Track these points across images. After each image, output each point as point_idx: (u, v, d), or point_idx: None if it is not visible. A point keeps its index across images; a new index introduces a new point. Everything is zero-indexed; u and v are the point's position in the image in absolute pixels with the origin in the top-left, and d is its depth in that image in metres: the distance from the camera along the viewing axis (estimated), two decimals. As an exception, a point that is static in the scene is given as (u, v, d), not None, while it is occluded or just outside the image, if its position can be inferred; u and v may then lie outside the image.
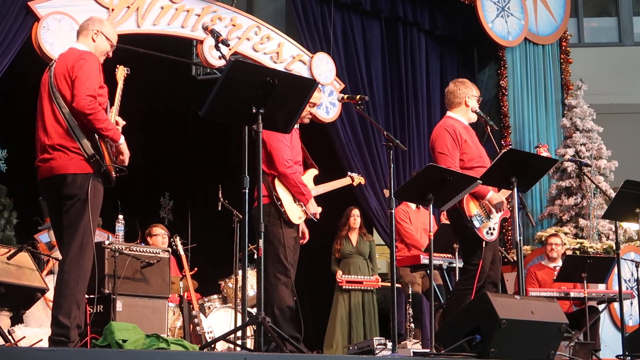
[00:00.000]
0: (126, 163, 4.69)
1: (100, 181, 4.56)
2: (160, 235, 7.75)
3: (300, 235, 5.64)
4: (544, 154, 5.94)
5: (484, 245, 5.47)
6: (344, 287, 8.18)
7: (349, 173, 6.37)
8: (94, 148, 4.51)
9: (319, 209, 5.66)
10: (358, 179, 6.47)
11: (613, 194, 8.00)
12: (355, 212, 8.38)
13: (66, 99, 4.55)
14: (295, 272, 5.55)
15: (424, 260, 6.79)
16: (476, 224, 5.49)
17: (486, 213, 5.57)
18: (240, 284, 6.69)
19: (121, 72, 5.25)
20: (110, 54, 4.93)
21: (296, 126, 5.67)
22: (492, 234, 5.54)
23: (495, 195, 5.56)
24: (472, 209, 5.51)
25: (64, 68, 4.61)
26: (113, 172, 4.61)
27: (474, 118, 5.84)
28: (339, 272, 8.20)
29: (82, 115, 4.47)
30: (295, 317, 5.42)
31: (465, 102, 5.80)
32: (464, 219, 5.45)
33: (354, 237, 8.34)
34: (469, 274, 5.53)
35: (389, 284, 8.97)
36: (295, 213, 5.46)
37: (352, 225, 8.32)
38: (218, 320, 7.27)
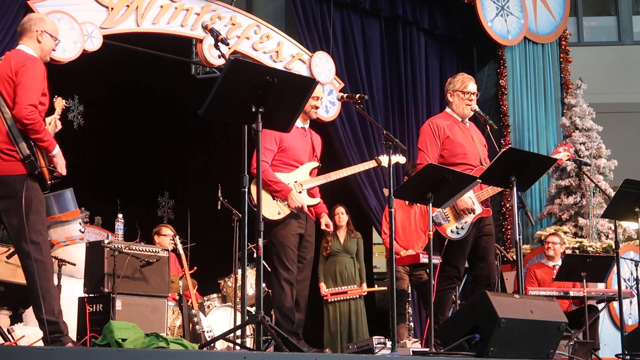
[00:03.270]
0: (63, 173, 4.68)
1: (35, 181, 4.54)
2: (169, 236, 7.76)
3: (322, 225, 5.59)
4: (562, 153, 5.93)
5: (445, 243, 5.50)
6: (329, 300, 8.16)
7: (375, 157, 5.90)
8: (29, 149, 4.49)
9: (313, 201, 5.57)
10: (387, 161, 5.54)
11: (612, 193, 8.02)
12: (339, 209, 8.31)
13: (7, 103, 4.52)
14: (307, 267, 5.52)
15: (424, 259, 6.79)
16: (441, 221, 5.51)
17: (454, 212, 5.56)
18: (239, 283, 6.69)
19: (59, 104, 5.29)
20: (56, 49, 4.97)
21: (305, 126, 5.66)
22: (458, 232, 5.54)
23: (464, 198, 5.51)
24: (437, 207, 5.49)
25: (7, 70, 4.56)
26: (48, 177, 4.60)
27: (465, 113, 5.80)
28: (323, 287, 8.15)
29: (21, 124, 4.47)
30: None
31: (447, 98, 5.83)
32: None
33: (341, 235, 8.30)
34: (443, 274, 5.55)
35: (379, 289, 9.01)
36: (270, 210, 5.38)
37: (338, 223, 8.28)
38: (217, 319, 7.27)
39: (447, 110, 5.86)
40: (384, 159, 5.75)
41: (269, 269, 7.37)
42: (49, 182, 4.61)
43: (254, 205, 5.26)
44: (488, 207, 5.75)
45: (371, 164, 5.80)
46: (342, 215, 8.30)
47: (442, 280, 5.59)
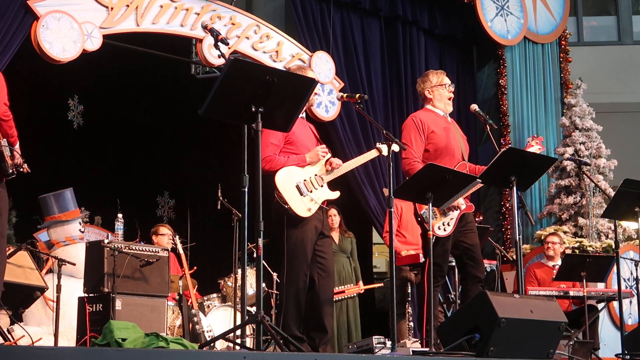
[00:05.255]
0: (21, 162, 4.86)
1: (4, 186, 4.62)
2: (167, 235, 7.76)
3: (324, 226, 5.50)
4: (534, 147, 5.91)
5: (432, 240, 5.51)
6: None
7: (377, 145, 5.82)
8: None
9: (335, 194, 5.53)
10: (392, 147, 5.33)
11: (612, 193, 8.01)
12: (332, 211, 8.31)
13: None
14: (327, 266, 5.45)
15: (423, 259, 6.78)
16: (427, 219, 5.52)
17: (440, 209, 5.55)
18: (239, 282, 6.69)
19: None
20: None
21: (303, 115, 5.59)
22: (445, 229, 5.54)
23: None
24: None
25: None
26: (8, 162, 4.68)
27: (445, 108, 5.80)
28: None
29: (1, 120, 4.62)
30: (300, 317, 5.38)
31: (426, 95, 5.82)
32: (415, 214, 5.50)
33: (335, 235, 8.30)
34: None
35: (375, 285, 9.01)
36: (302, 206, 5.32)
37: (331, 225, 8.30)
38: (217, 319, 7.28)
39: (428, 106, 5.85)
40: (383, 148, 5.70)
41: (270, 270, 7.39)
42: (9, 170, 4.68)
43: (283, 202, 5.27)
44: (471, 204, 5.76)
45: (374, 153, 5.79)
46: (335, 217, 8.33)
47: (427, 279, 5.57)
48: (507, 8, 10.21)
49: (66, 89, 9.94)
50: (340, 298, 8.16)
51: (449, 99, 5.82)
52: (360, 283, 8.30)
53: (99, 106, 10.09)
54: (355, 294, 8.23)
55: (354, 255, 8.42)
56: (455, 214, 5.59)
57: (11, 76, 7.09)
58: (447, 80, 5.85)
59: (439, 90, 5.80)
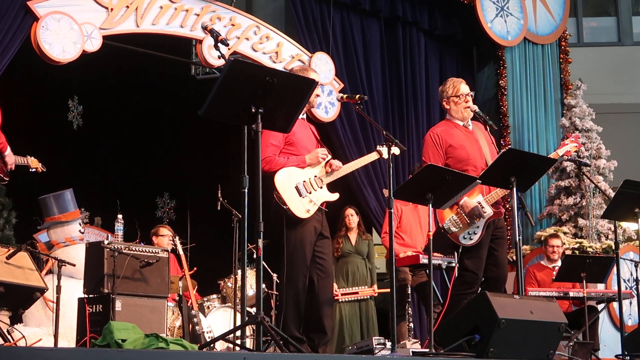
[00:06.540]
0: (12, 168, 5.17)
1: None
2: (167, 236, 7.76)
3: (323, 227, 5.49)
4: (570, 145, 5.90)
5: (460, 250, 5.51)
6: (340, 300, 8.12)
7: (377, 147, 5.86)
8: None
9: (334, 196, 5.53)
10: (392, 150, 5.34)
11: (612, 194, 8.01)
12: (350, 211, 8.30)
13: None
14: (326, 267, 5.46)
15: (423, 260, 6.79)
16: (452, 229, 5.52)
17: (464, 218, 5.54)
18: (239, 283, 6.69)
19: (35, 164, 5.57)
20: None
21: (304, 116, 5.59)
22: (470, 238, 5.52)
23: (468, 202, 5.49)
24: (447, 214, 5.51)
25: None
26: None
27: (465, 116, 5.74)
28: (334, 286, 8.11)
29: None
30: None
31: (444, 106, 5.79)
32: (437, 225, 5.49)
33: (352, 236, 8.30)
34: (461, 279, 5.56)
35: (386, 290, 9.00)
36: (301, 207, 5.32)
37: (349, 225, 8.28)
38: (217, 319, 7.28)
39: (447, 117, 5.82)
40: (384, 150, 5.72)
41: (270, 271, 7.38)
42: None
43: (282, 202, 5.27)
44: (499, 209, 5.71)
45: (374, 156, 5.78)
46: (352, 217, 8.30)
47: (459, 284, 5.55)
48: (507, 9, 10.21)
49: (66, 90, 9.94)
50: (351, 299, 8.13)
51: (465, 108, 5.71)
52: (375, 286, 8.27)
53: (99, 107, 10.09)
54: (369, 297, 8.20)
55: (371, 257, 8.38)
56: (481, 223, 5.55)
57: (11, 77, 7.13)
58: (464, 89, 5.73)
59: (455, 100, 5.72)
